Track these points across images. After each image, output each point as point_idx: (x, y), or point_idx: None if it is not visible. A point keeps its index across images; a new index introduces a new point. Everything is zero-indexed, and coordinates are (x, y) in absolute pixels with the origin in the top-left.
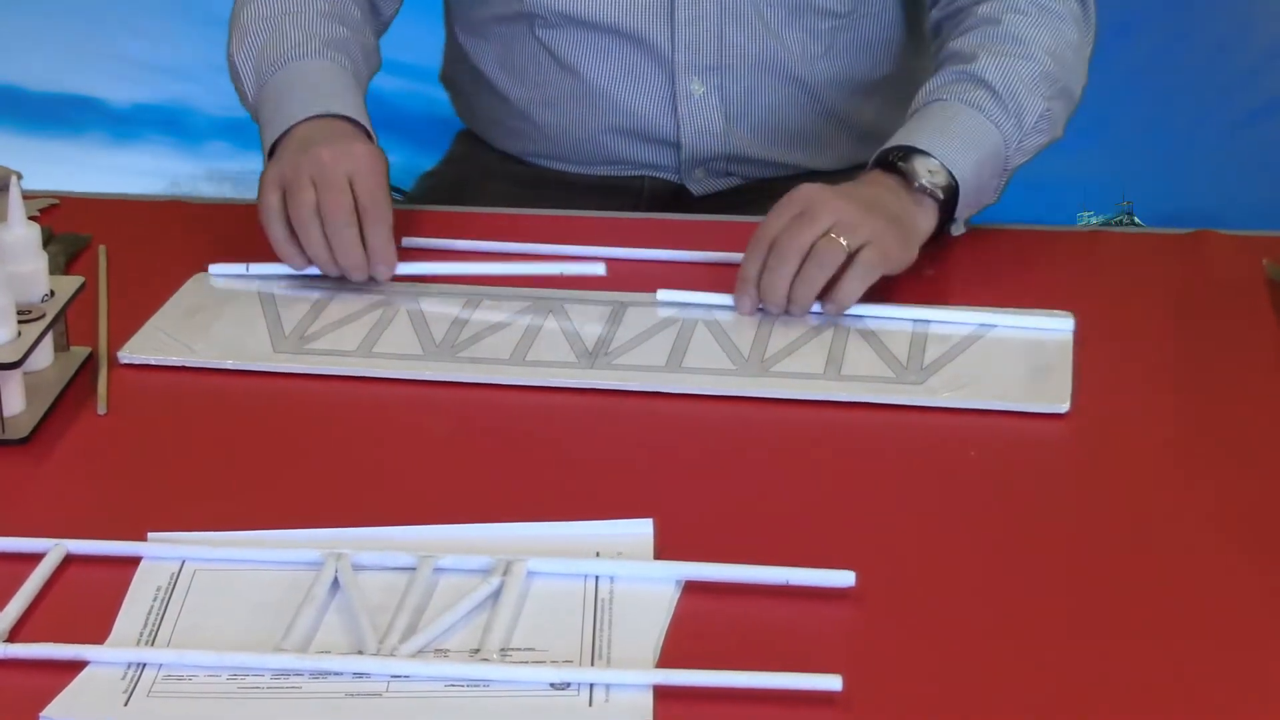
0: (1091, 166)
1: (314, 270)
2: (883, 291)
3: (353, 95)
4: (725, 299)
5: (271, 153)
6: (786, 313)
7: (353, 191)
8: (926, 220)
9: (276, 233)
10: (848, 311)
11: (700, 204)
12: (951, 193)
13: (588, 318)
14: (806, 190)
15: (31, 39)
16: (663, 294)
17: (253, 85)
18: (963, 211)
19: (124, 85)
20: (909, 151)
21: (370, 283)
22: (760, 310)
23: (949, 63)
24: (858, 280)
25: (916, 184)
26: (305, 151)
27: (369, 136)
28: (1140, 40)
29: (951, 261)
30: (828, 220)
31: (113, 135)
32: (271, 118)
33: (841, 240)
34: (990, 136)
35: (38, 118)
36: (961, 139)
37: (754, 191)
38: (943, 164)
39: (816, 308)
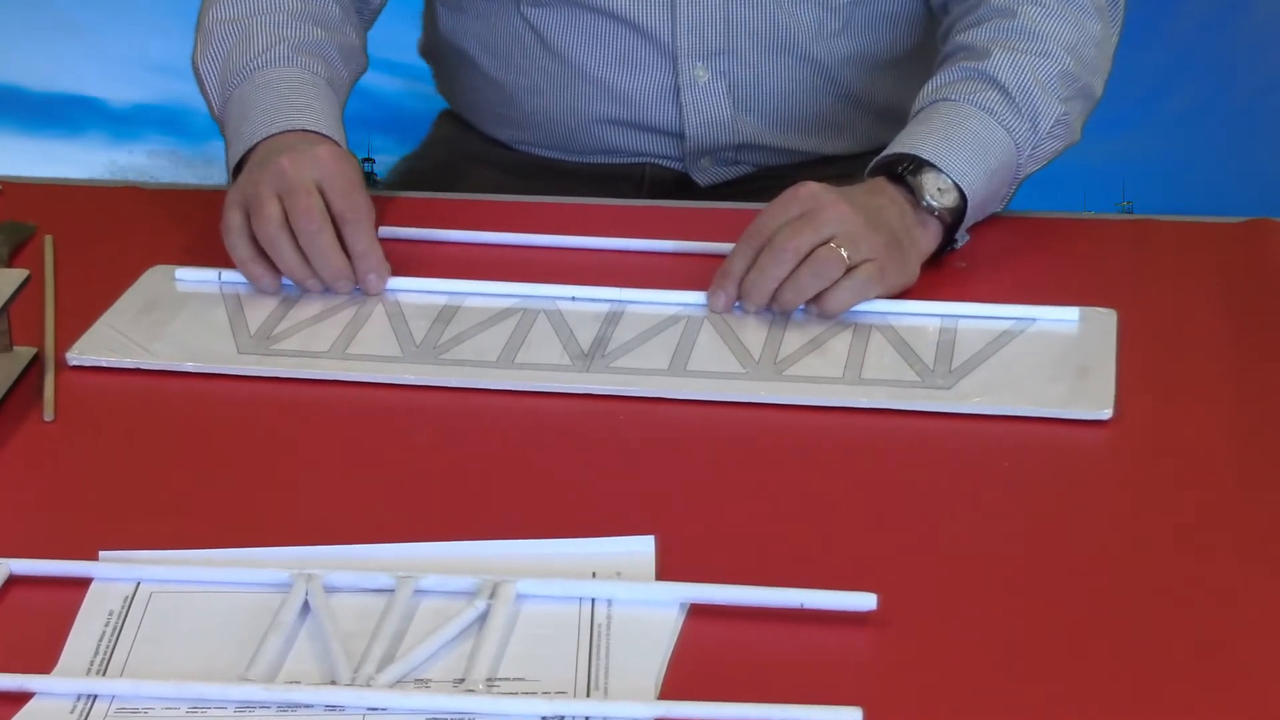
0: (1091, 166)
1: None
2: (909, 294)
3: (324, 105)
4: (693, 296)
5: (236, 174)
6: (766, 310)
7: (325, 199)
8: (928, 242)
9: (241, 252)
10: (871, 308)
11: (705, 194)
12: (959, 214)
13: (583, 316)
14: (810, 190)
15: (31, 39)
16: (665, 295)
17: (218, 96)
18: (966, 225)
19: (124, 85)
20: (919, 165)
21: (359, 295)
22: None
23: (958, 57)
24: (851, 294)
25: (924, 202)
26: (265, 165)
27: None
28: (1141, 39)
29: (983, 253)
30: (831, 228)
31: (113, 135)
32: (235, 134)
33: (843, 251)
34: (1002, 144)
35: (38, 118)
36: (971, 147)
37: (764, 179)
38: (954, 182)
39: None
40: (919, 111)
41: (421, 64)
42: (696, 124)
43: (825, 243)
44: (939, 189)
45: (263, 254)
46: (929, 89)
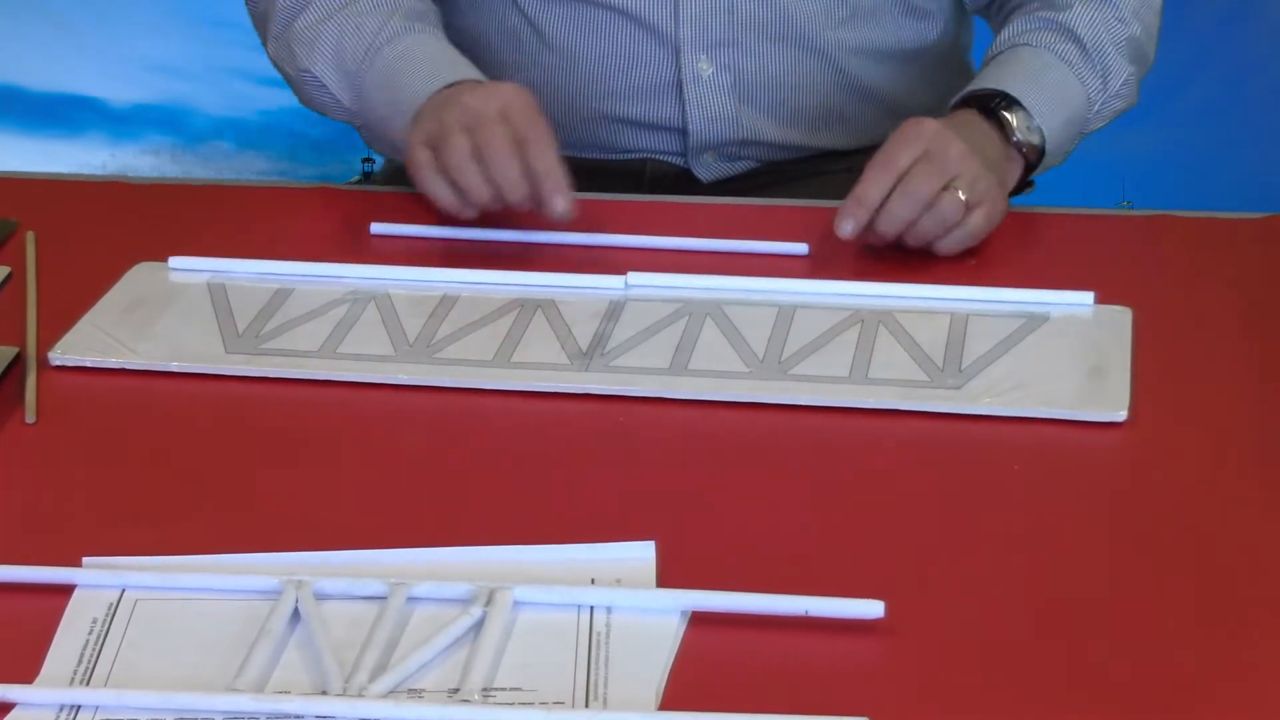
0: (1091, 165)
1: (355, 281)
2: (918, 283)
3: (463, 60)
4: (697, 280)
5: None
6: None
7: (510, 125)
8: (1014, 178)
9: (437, 188)
10: (875, 304)
11: (708, 190)
12: (1039, 155)
13: (582, 313)
14: (930, 126)
15: (31, 39)
16: (634, 277)
17: (345, 90)
18: (1037, 172)
19: (124, 85)
20: (1010, 101)
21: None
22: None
23: (1034, 6)
24: (966, 238)
25: (1014, 138)
26: (446, 105)
27: None
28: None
29: (993, 249)
30: (955, 168)
31: (113, 135)
32: (391, 109)
33: (962, 195)
34: (1077, 97)
35: (38, 118)
36: (1052, 96)
37: (768, 174)
38: (1039, 124)
39: None
40: (998, 54)
41: None
42: (700, 119)
43: (947, 186)
44: (1028, 127)
45: (454, 185)
46: (1008, 34)
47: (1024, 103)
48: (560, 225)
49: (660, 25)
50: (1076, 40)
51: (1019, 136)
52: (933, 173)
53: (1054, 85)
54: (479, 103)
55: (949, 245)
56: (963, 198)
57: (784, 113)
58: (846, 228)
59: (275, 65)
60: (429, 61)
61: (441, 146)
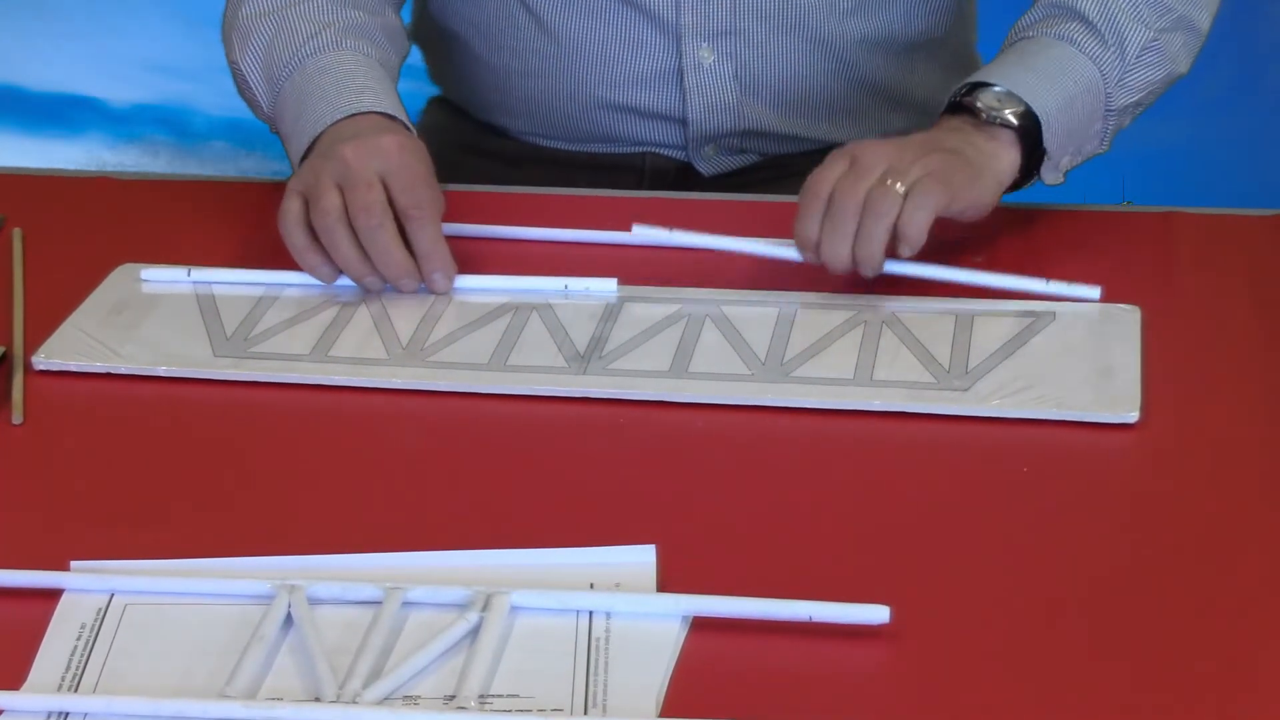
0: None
1: (345, 282)
2: (922, 285)
3: (382, 86)
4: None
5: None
6: (859, 271)
7: (388, 193)
8: (1005, 153)
9: (297, 240)
10: (880, 305)
11: (709, 184)
12: (1029, 120)
13: (579, 314)
14: (854, 143)
15: (31, 39)
16: (638, 230)
17: (265, 93)
18: (1059, 153)
19: (124, 85)
20: (974, 87)
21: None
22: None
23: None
24: (919, 210)
25: (984, 115)
26: (328, 154)
27: (407, 129)
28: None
29: (999, 248)
30: (879, 167)
31: (113, 135)
32: (293, 128)
33: (897, 185)
34: (1083, 70)
35: (38, 118)
36: (1041, 72)
37: (771, 169)
38: (1011, 91)
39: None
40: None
41: (415, 51)
42: (700, 108)
43: (879, 183)
44: (997, 101)
45: (319, 243)
46: (1012, 33)
47: (991, 79)
48: (558, 223)
49: (662, 12)
50: (1080, 17)
51: (987, 114)
52: (857, 178)
53: (1046, 64)
54: (356, 157)
55: (908, 225)
56: (898, 187)
57: (786, 103)
58: (808, 259)
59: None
60: (340, 86)
61: (313, 203)
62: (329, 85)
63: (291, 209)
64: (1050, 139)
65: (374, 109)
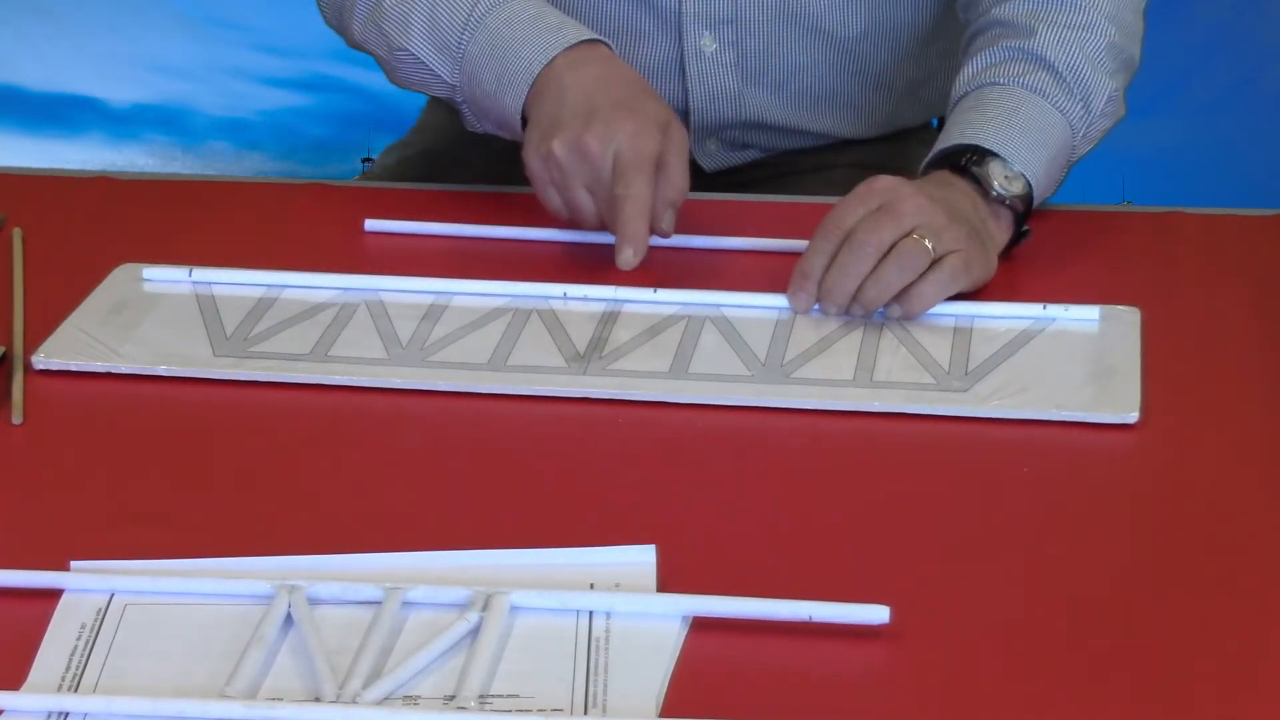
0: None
1: (345, 283)
2: None
3: (567, 17)
4: (736, 298)
5: (523, 117)
6: (845, 313)
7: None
8: (1002, 233)
9: (555, 204)
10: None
11: (712, 181)
12: (1028, 202)
13: (579, 315)
14: (886, 182)
15: (31, 39)
16: (664, 294)
17: (444, 65)
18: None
19: (124, 85)
20: (982, 155)
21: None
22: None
23: (997, 34)
24: (938, 286)
25: (993, 193)
26: (567, 132)
27: (609, 49)
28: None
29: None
30: (912, 219)
31: (113, 135)
32: (499, 84)
33: (927, 243)
34: (1058, 129)
35: (38, 118)
36: (1030, 135)
37: (775, 166)
38: (1021, 172)
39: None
40: (964, 96)
41: None
42: (702, 97)
43: (907, 235)
44: (1006, 177)
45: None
46: (972, 71)
47: (1000, 151)
48: (558, 223)
49: (663, 1)
50: (1048, 67)
51: (999, 190)
52: (884, 222)
53: (1030, 124)
54: (600, 146)
55: (922, 297)
56: (928, 245)
57: (789, 94)
58: (799, 304)
59: (363, 49)
60: (535, 28)
61: (572, 210)
62: (524, 31)
63: (554, 203)
64: (1035, 206)
65: (579, 39)
